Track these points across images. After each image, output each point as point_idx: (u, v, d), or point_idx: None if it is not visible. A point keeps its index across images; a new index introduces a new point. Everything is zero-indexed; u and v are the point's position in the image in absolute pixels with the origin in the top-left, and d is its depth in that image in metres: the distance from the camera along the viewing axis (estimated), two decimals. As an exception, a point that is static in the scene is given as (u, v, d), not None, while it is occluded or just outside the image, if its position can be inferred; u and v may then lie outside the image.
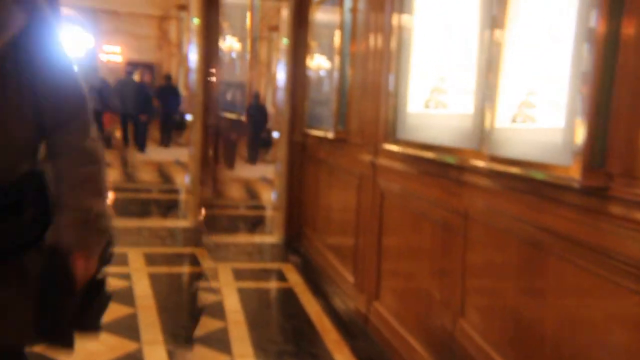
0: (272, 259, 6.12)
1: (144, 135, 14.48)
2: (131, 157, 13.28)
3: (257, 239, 6.90)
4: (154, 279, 4.99)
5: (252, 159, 13.76)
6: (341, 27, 4.83)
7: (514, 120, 2.44)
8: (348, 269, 4.65)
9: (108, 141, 14.06)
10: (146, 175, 10.59)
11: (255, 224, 7.82)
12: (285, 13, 6.54)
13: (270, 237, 6.85)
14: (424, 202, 3.33)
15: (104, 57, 19.80)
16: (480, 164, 2.65)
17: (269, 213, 8.19)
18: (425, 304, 3.28)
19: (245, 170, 12.48)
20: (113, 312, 4.09)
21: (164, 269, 5.35)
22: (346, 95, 4.76)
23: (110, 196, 8.32)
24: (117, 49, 20.14)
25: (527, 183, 2.37)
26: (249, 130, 13.48)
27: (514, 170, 2.37)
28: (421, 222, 3.36)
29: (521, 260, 2.44)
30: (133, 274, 5.04)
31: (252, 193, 10.19)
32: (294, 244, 6.40)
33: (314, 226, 5.91)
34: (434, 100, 3.20)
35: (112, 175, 10.09)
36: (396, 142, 3.61)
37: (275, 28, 15.70)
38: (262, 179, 11.32)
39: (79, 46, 18.28)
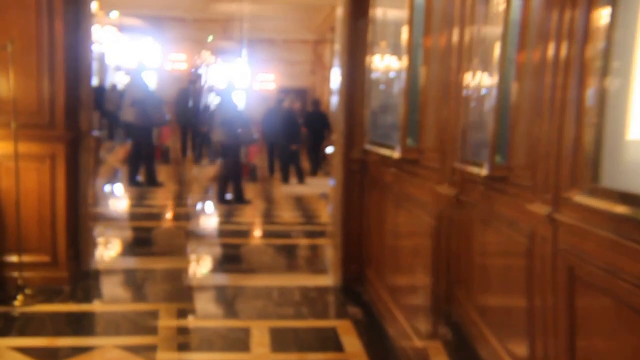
0: (324, 312, 4.87)
1: (297, 165, 13.56)
2: (273, 191, 12.45)
3: (309, 280, 5.65)
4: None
5: (311, 172, 13.19)
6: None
7: None
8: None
9: (253, 173, 13.38)
10: (287, 213, 9.59)
11: (309, 257, 6.72)
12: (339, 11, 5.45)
13: (325, 278, 5.59)
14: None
15: (257, 86, 19.78)
16: None
17: (325, 241, 6.92)
18: None
19: (301, 185, 11.65)
20: None
21: (294, 357, 4.02)
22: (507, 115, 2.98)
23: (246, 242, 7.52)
24: (271, 76, 20.06)
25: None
26: (307, 140, 12.87)
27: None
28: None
29: None
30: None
31: (306, 213, 9.03)
32: (354, 287, 5.24)
33: (380, 269, 4.71)
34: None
35: (253, 212, 9.27)
36: (601, 192, 2.10)
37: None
38: (322, 195, 10.30)
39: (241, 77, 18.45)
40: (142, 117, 10.12)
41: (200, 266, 6.20)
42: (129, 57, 17.61)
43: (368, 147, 4.93)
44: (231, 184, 9.79)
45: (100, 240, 6.48)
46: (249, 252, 7.01)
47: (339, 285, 5.35)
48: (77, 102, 5.22)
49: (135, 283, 5.36)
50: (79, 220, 5.29)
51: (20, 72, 4.67)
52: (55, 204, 4.89)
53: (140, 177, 10.54)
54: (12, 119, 4.54)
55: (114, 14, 16.52)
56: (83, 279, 5.17)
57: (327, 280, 5.51)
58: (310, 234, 7.85)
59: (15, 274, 4.69)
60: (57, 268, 4.94)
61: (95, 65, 19.31)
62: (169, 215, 9.00)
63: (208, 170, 12.81)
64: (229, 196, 9.71)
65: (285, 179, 13.09)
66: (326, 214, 9.09)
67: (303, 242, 7.50)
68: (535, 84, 2.56)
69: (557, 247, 2.33)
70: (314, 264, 6.46)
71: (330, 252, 5.72)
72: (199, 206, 9.71)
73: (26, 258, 4.83)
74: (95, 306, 4.70)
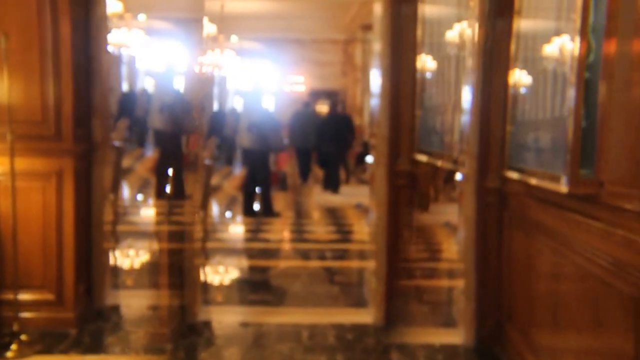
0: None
1: (334, 172, 12.72)
2: (304, 202, 11.59)
3: (431, 336, 4.53)
4: None
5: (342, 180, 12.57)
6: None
7: None
8: None
9: (283, 182, 12.55)
10: (318, 227, 8.73)
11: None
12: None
13: (453, 335, 4.49)
14: None
15: (287, 88, 19.09)
16: None
17: (367, 264, 5.75)
18: None
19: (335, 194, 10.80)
20: None
21: None
22: None
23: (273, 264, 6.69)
24: (301, 78, 19.33)
25: None
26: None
27: None
28: None
29: None
30: None
31: (342, 228, 8.05)
32: (492, 347, 4.22)
33: (529, 327, 3.76)
34: None
35: (282, 227, 8.41)
36: None
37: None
38: (357, 206, 9.52)
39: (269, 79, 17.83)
40: (171, 124, 9.22)
41: (213, 298, 5.37)
42: (248, 79, 17.09)
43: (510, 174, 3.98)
44: (259, 194, 8.97)
45: (118, 264, 5.70)
46: (277, 278, 6.15)
47: (471, 344, 4.29)
48: (89, 109, 4.42)
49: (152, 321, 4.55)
50: (92, 248, 4.48)
51: (20, 73, 3.88)
52: (62, 230, 4.08)
53: (169, 189, 9.62)
54: (7, 129, 3.74)
55: (234, 38, 16.38)
56: (93, 320, 4.35)
57: (457, 337, 4.43)
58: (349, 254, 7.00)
59: (12, 314, 3.89)
60: (62, 307, 4.13)
61: (124, 70, 18.81)
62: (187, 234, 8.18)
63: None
64: (255, 207, 8.92)
65: (327, 187, 12.25)
66: (364, 228, 8.33)
67: (340, 264, 6.66)
68: None
69: None
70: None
71: (461, 301, 4.57)
72: (221, 218, 8.93)
73: (26, 296, 4.04)
74: (102, 359, 3.87)
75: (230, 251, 7.03)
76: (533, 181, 3.48)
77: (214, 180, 12.33)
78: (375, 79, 4.74)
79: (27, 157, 3.95)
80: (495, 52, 4.30)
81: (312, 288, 5.65)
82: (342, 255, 7.11)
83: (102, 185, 4.55)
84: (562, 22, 3.72)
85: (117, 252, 6.42)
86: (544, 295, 3.54)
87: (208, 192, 6.84)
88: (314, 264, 6.70)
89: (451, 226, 6.73)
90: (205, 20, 13.63)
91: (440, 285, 5.90)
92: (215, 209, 9.69)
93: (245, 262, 6.58)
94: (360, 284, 5.89)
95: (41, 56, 3.94)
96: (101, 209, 4.56)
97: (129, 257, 6.46)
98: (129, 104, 16.56)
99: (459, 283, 4.56)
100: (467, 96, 4.47)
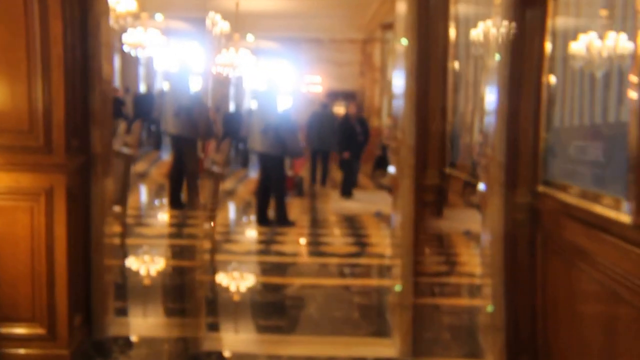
0: None
1: (350, 178, 12.17)
2: (319, 208, 11.02)
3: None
4: None
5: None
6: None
7: None
8: None
9: (299, 187, 12.00)
10: (335, 238, 8.15)
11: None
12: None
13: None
14: None
15: (304, 88, 18.61)
16: None
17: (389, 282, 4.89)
18: None
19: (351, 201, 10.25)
20: None
21: None
22: None
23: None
24: (318, 78, 18.85)
25: None
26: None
27: None
28: None
29: None
30: None
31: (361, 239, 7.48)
32: None
33: None
34: None
35: (294, 241, 7.87)
36: None
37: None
38: (377, 214, 9.04)
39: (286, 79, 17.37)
40: (186, 128, 8.61)
41: (221, 323, 4.84)
42: (264, 79, 16.56)
43: (547, 189, 3.46)
44: (273, 200, 8.39)
45: (123, 285, 5.18)
46: (291, 298, 5.58)
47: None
48: (87, 115, 3.89)
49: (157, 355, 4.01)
50: (91, 273, 3.95)
51: (2, 74, 3.35)
52: (54, 256, 3.54)
53: (184, 196, 9.05)
54: (-13, 141, 3.22)
55: (250, 38, 16.07)
56: (91, 356, 3.82)
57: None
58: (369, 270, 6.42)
59: (-4, 354, 3.38)
60: (55, 343, 3.58)
61: (142, 71, 18.40)
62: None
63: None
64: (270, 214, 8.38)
65: (345, 193, 11.75)
66: (384, 239, 7.81)
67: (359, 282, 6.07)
68: None
69: None
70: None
71: (489, 334, 4.02)
72: (233, 227, 8.40)
73: (13, 330, 3.52)
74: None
75: (240, 265, 6.50)
76: (576, 201, 2.96)
77: (228, 185, 11.80)
78: (399, 79, 4.17)
79: (11, 172, 3.43)
80: (526, 45, 3.80)
81: (329, 311, 5.09)
82: (361, 272, 6.56)
83: (102, 202, 4.01)
84: (618, 10, 3.22)
85: (124, 271, 5.90)
86: (594, 340, 2.99)
87: (216, 201, 6.27)
88: (331, 281, 6.17)
89: (472, 235, 6.22)
90: (217, 18, 13.23)
91: (465, 305, 5.36)
92: (227, 216, 9.18)
93: (256, 279, 6.04)
94: (382, 306, 5.32)
95: (28, 54, 3.41)
96: (101, 228, 4.03)
97: (137, 276, 5.92)
98: (144, 105, 16.14)
99: (486, 303, 4.02)
100: (491, 96, 3.98)
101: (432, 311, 4.95)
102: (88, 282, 3.92)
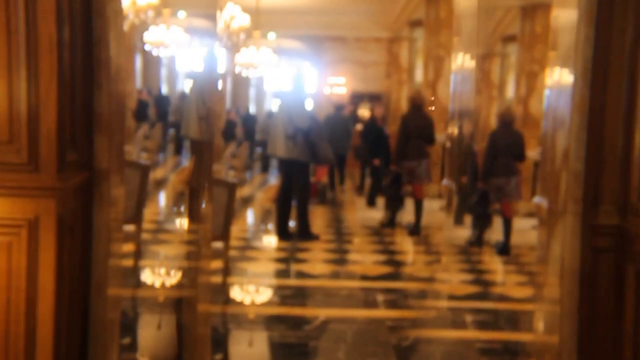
0: None
1: (378, 186, 11.60)
2: (344, 218, 10.31)
3: None
4: None
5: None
6: None
7: None
8: None
9: (322, 194, 11.37)
10: (364, 255, 7.27)
11: None
12: None
13: None
14: None
15: (327, 90, 17.98)
16: None
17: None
18: None
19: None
20: None
21: None
22: None
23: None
24: (342, 79, 18.19)
25: None
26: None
27: None
28: None
29: None
30: None
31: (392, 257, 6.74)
32: None
33: None
34: None
35: (318, 259, 6.99)
36: None
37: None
38: (407, 226, 8.60)
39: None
40: (209, 134, 7.76)
41: None
42: (288, 78, 16.16)
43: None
44: (295, 211, 7.67)
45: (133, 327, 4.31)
46: (313, 338, 4.68)
47: None
48: (90, 121, 2.96)
49: None
50: (88, 330, 3.01)
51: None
52: (37, 312, 2.60)
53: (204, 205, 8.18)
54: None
55: (271, 36, 15.62)
56: None
57: None
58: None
59: None
60: None
61: (164, 73, 17.70)
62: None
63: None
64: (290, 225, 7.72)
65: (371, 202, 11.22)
66: (418, 257, 7.36)
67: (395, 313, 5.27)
68: None
69: None
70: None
71: None
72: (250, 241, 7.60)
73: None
74: None
75: (255, 291, 5.66)
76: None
77: (246, 191, 11.06)
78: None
79: (-18, 197, 2.51)
80: (615, 18, 3.17)
81: (362, 358, 4.28)
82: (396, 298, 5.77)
83: (108, 234, 3.09)
84: None
85: (136, 307, 5.04)
86: None
87: (229, 216, 5.41)
88: (362, 313, 5.38)
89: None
90: (235, 11, 12.49)
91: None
92: (243, 228, 8.34)
93: (273, 310, 5.20)
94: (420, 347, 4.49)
95: (8, 36, 2.48)
96: (104, 266, 3.10)
97: (153, 314, 5.05)
98: (165, 108, 15.39)
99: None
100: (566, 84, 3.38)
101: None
102: (85, 342, 2.98)
